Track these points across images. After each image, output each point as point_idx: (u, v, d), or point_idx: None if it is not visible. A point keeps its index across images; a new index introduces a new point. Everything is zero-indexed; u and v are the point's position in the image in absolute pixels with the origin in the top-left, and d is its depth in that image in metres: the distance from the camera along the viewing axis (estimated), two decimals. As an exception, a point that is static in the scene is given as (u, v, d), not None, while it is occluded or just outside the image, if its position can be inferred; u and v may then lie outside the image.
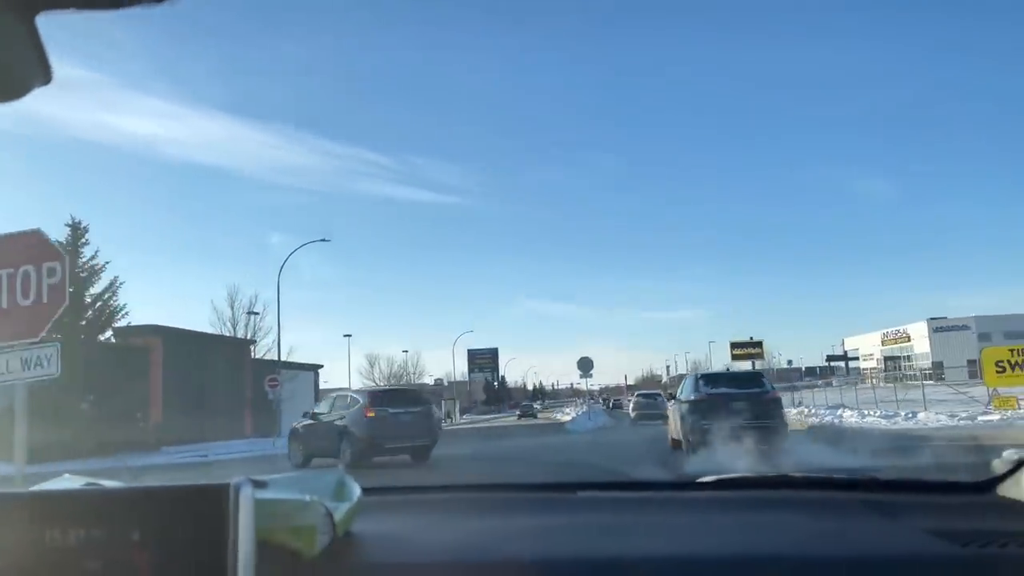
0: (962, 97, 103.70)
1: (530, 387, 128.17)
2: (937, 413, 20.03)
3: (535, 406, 72.55)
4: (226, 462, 20.52)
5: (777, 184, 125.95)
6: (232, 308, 40.27)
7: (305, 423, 16.70)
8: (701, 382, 14.02)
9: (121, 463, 20.64)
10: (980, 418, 18.29)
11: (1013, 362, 21.48)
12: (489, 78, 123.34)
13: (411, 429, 14.69)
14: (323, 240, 34.34)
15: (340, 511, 1.02)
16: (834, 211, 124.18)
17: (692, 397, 13.46)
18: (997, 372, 21.51)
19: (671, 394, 21.85)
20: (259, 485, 0.85)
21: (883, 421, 20.33)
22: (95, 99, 71.40)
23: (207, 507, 0.77)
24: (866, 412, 22.71)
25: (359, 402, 14.94)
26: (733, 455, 10.59)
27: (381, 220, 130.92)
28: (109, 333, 28.69)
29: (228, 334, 39.78)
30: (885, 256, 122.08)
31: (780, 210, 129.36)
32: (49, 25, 0.56)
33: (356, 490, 1.13)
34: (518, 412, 66.05)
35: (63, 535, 0.77)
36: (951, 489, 1.38)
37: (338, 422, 14.87)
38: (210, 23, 77.21)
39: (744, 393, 13.29)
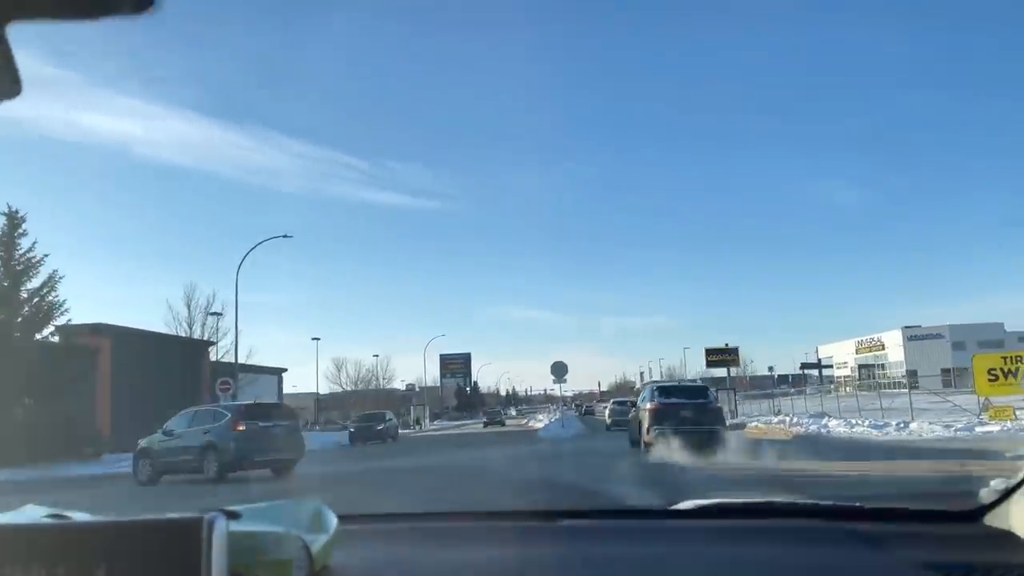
0: (936, 111, 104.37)
1: (503, 393, 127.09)
2: (930, 423, 18.92)
3: (503, 412, 68.07)
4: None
5: (751, 194, 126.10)
6: (189, 308, 38.32)
7: (159, 439, 16.05)
8: (656, 392, 16.53)
9: (51, 472, 18.91)
10: (978, 429, 17.20)
11: (1007, 370, 20.54)
12: (467, 84, 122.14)
13: (279, 443, 14.93)
14: (284, 236, 32.45)
15: (317, 543, 0.99)
16: (808, 221, 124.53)
17: (648, 405, 15.88)
18: (989, 380, 20.57)
19: (633, 402, 24.46)
20: (232, 516, 0.84)
21: (873, 431, 19.19)
22: (64, 97, 69.43)
23: (178, 542, 0.72)
24: (854, 421, 21.57)
25: (227, 416, 14.93)
26: (681, 452, 13.36)
27: (354, 223, 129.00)
28: (50, 331, 26.66)
29: (184, 335, 37.75)
30: (859, 266, 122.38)
31: (754, 220, 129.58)
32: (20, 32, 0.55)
33: (333, 520, 1.10)
34: (484, 420, 61.51)
35: (24, 574, 0.72)
36: (938, 518, 1.35)
37: (203, 436, 14.74)
38: (183, 23, 75.39)
39: (691, 403, 15.92)
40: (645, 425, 15.55)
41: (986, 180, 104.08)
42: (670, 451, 13.80)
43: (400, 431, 53.20)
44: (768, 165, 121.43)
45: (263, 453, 14.64)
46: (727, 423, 16.97)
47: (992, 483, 1.27)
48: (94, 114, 78.37)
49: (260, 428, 14.72)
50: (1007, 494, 1.21)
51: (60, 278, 25.98)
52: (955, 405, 25.06)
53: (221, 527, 0.73)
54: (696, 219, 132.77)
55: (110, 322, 31.78)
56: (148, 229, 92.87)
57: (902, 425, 19.27)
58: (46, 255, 25.93)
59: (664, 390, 17.09)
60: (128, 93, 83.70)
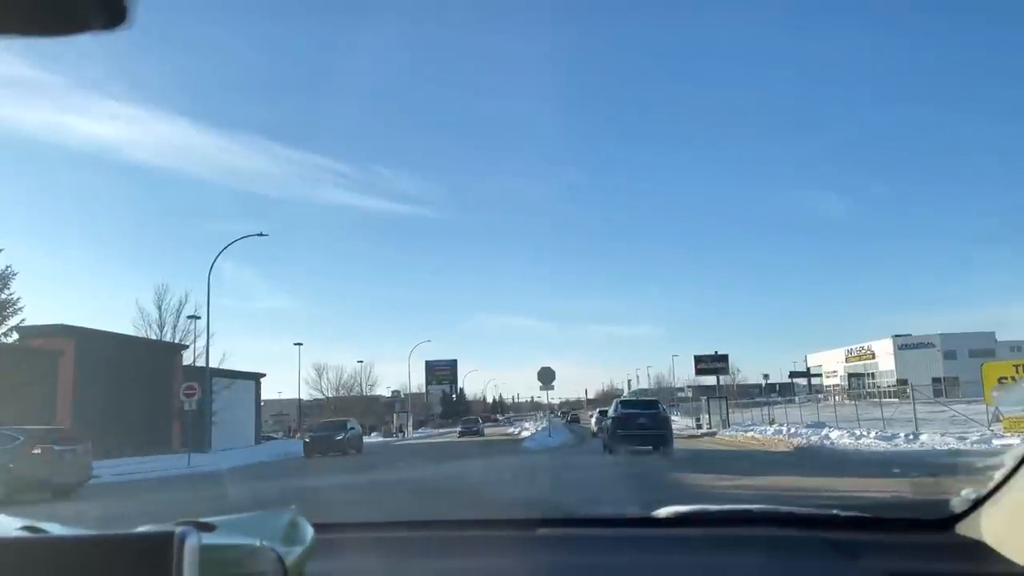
0: (922, 121, 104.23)
1: (490, 400, 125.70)
2: (942, 435, 17.75)
3: (480, 421, 58.74)
4: (114, 485, 17.40)
5: (740, 204, 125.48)
6: (160, 309, 36.55)
7: None
8: (619, 405, 22.93)
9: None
10: (996, 442, 16.02)
11: (1018, 378, 19.54)
12: (453, 91, 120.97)
13: (69, 468, 15.03)
14: (260, 235, 31.02)
15: (292, 555, 0.97)
16: (797, 231, 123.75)
17: (613, 414, 21.76)
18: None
19: (603, 411, 30.66)
20: (206, 528, 0.83)
21: (881, 443, 17.98)
22: (47, 99, 67.95)
23: (149, 557, 0.71)
24: (858, 432, 20.34)
25: (18, 439, 14.65)
26: (635, 444, 18.94)
27: (338, 228, 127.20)
28: (4, 330, 25.10)
29: (155, 337, 36.07)
30: (848, 275, 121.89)
31: (744, 230, 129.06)
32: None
33: (309, 531, 1.09)
34: (459, 429, 53.55)
35: None
36: (912, 527, 1.36)
37: None
38: (168, 27, 73.79)
39: (646, 412, 20.94)
40: (610, 430, 20.95)
41: (977, 190, 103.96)
42: (625, 442, 19.16)
43: (382, 439, 51.88)
44: (756, 176, 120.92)
45: (55, 476, 14.73)
46: (673, 428, 22.15)
47: (963, 492, 1.26)
48: (76, 117, 76.47)
49: (56, 452, 14.77)
50: (978, 504, 1.22)
51: (13, 274, 24.47)
52: (956, 414, 24.15)
53: (192, 542, 0.72)
54: (685, 228, 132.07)
55: (77, 324, 30.20)
56: (127, 232, 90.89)
57: (911, 437, 18.09)
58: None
59: (626, 403, 23.52)
60: (112, 97, 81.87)
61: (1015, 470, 1.16)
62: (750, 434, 27.53)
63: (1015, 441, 16.30)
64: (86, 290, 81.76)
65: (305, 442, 28.75)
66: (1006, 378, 19.77)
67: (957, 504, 1.28)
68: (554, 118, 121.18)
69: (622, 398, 27.91)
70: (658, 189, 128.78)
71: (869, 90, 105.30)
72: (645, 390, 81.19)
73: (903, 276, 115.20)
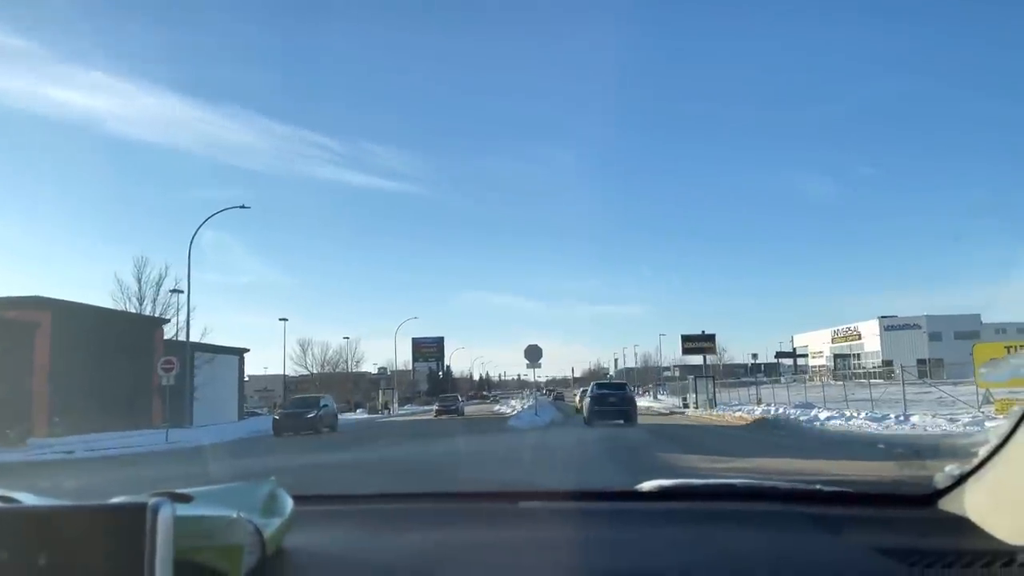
0: (909, 100, 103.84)
1: (477, 378, 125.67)
2: (933, 416, 17.55)
3: (460, 399, 53.08)
4: (94, 460, 16.90)
5: (727, 185, 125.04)
6: (140, 283, 35.76)
7: None
8: (596, 387, 28.20)
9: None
10: (988, 424, 15.78)
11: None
12: (442, 67, 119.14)
13: None
14: (242, 207, 30.40)
15: (270, 527, 0.98)
16: (784, 212, 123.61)
17: (591, 394, 26.45)
18: (992, 371, 19.40)
19: (584, 390, 35.43)
20: (181, 500, 0.84)
21: (872, 424, 17.73)
22: (30, 70, 66.11)
23: (122, 528, 0.71)
24: (848, 414, 20.11)
25: None
26: (607, 419, 23.60)
27: (325, 204, 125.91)
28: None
29: (134, 311, 35.35)
30: (835, 256, 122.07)
31: (731, 210, 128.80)
32: None
33: (288, 503, 1.09)
34: (436, 407, 48.03)
35: None
36: (895, 502, 1.37)
37: None
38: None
39: (615, 393, 26.15)
40: (588, 405, 25.93)
41: (965, 171, 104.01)
42: (600, 417, 24.03)
43: (367, 416, 51.40)
44: (744, 156, 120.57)
45: None
46: (637, 405, 27.24)
47: (947, 469, 1.27)
48: (59, 88, 74.51)
49: None
50: (961, 480, 1.23)
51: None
52: (944, 395, 24.04)
53: (167, 513, 0.72)
54: (674, 208, 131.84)
55: (54, 296, 29.49)
56: (107, 203, 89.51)
57: (902, 418, 17.85)
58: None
59: (600, 385, 29.19)
60: (96, 68, 79.94)
61: (999, 447, 1.15)
62: (737, 414, 27.34)
63: (1008, 423, 16.12)
64: (63, 262, 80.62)
65: (275, 419, 27.16)
66: (997, 360, 19.61)
67: (940, 480, 1.28)
68: (542, 97, 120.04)
69: (598, 381, 34.68)
70: (646, 169, 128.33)
71: (858, 68, 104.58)
72: (596, 381, 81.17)
73: (890, 258, 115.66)
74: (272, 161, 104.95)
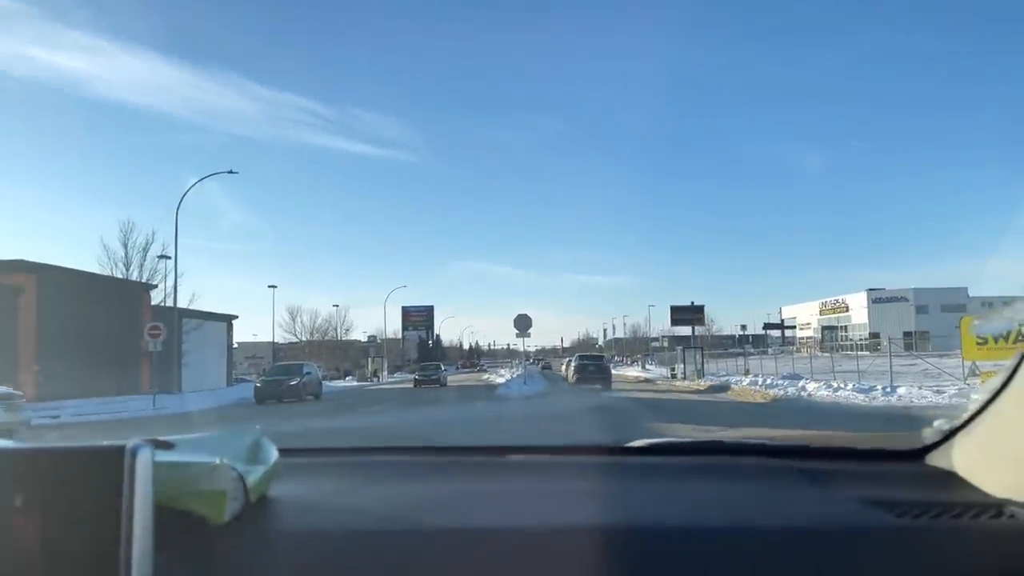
0: (899, 71, 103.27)
1: (466, 347, 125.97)
2: (919, 388, 17.64)
3: (442, 369, 47.09)
4: (81, 425, 16.83)
5: (716, 155, 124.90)
6: (126, 247, 35.34)
7: None
8: (579, 358, 34.07)
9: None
10: (974, 396, 15.86)
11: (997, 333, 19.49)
12: (435, 34, 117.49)
13: None
14: (230, 172, 29.99)
15: (254, 475, 0.98)
16: (773, 184, 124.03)
17: (575, 364, 32.52)
18: (978, 344, 19.49)
19: (569, 360, 40.08)
20: (164, 446, 0.83)
21: (860, 395, 17.82)
22: (12, 30, 64.45)
23: (99, 471, 0.71)
24: (835, 385, 20.20)
25: None
26: (588, 383, 28.62)
27: (314, 171, 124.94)
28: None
29: (121, 276, 35.00)
30: (824, 228, 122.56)
31: (720, 182, 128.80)
32: None
33: (273, 452, 1.09)
34: (415, 377, 42.89)
35: None
36: (883, 457, 1.39)
37: None
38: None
39: (595, 362, 32.36)
40: (573, 370, 32.05)
41: (956, 144, 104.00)
42: (582, 382, 29.29)
43: (356, 383, 51.39)
44: (735, 127, 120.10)
45: None
46: (612, 373, 32.65)
47: (935, 423, 1.28)
48: (42, 48, 73.14)
49: None
50: (949, 435, 1.24)
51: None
52: (930, 367, 24.22)
53: (145, 455, 0.72)
54: (663, 178, 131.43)
55: (37, 260, 29.13)
56: (91, 167, 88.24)
57: (889, 390, 17.93)
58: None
59: (581, 356, 35.04)
60: (77, 27, 78.07)
61: (988, 403, 1.14)
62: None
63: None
64: (48, 227, 79.41)
65: (256, 386, 26.71)
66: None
67: (929, 435, 1.29)
68: (533, 64, 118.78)
69: (580, 353, 42.22)
70: (636, 137, 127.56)
71: (846, 39, 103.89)
72: (578, 353, 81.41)
73: (879, 231, 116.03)
74: (260, 126, 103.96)
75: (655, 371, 51.80)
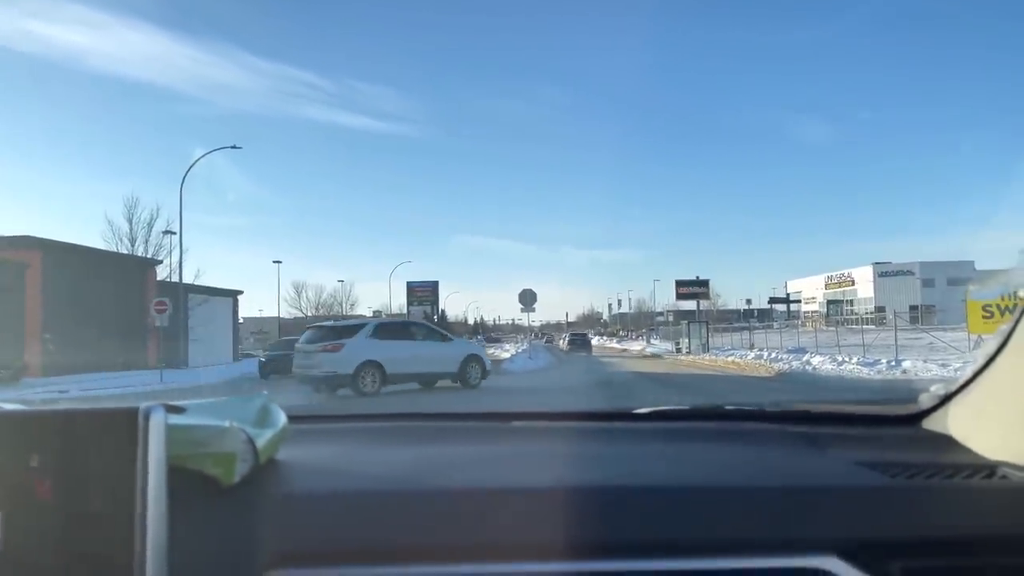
0: (906, 42, 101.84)
1: (471, 322, 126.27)
2: (924, 362, 17.65)
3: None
4: (88, 399, 16.94)
5: (723, 128, 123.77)
6: (131, 223, 35.42)
7: None
8: (570, 333, 58.81)
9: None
10: (969, 361, 15.90)
11: (1003, 306, 19.34)
12: (436, 3, 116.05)
13: None
14: (234, 147, 29.91)
15: (263, 438, 0.99)
16: (780, 156, 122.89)
17: (568, 338, 54.95)
18: (984, 317, 19.43)
19: (565, 335, 59.04)
20: (175, 410, 0.85)
21: (865, 369, 17.87)
22: (10, 3, 63.83)
23: (114, 433, 0.73)
24: (840, 359, 20.24)
25: None
26: (576, 351, 46.69)
27: (318, 146, 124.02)
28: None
29: (126, 252, 35.09)
30: (831, 201, 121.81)
31: (727, 155, 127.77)
32: None
33: (281, 417, 1.11)
34: None
35: None
36: (880, 422, 1.41)
37: None
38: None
39: (581, 337, 52.81)
40: (567, 342, 52.11)
41: (962, 117, 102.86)
42: (572, 351, 45.85)
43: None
44: (739, 100, 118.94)
45: None
46: (593, 344, 47.40)
47: (932, 388, 1.30)
48: (39, 22, 72.38)
49: None
50: (946, 399, 1.26)
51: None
52: (935, 341, 24.19)
53: (159, 417, 0.74)
54: (669, 151, 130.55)
55: (42, 236, 29.19)
56: (94, 143, 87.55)
57: (894, 363, 17.96)
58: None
59: (572, 333, 56.98)
60: (81, 1, 77.41)
61: (983, 367, 1.15)
62: (730, 358, 27.51)
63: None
64: (52, 203, 79.43)
65: (261, 361, 26.47)
66: (991, 306, 19.62)
67: (926, 400, 1.30)
68: (535, 33, 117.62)
69: (571, 331, 61.29)
70: (641, 111, 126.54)
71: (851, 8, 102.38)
72: (625, 314, 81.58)
73: (885, 203, 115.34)
74: (263, 100, 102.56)
75: (659, 345, 51.94)
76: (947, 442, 1.20)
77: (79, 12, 73.09)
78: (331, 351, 14.54)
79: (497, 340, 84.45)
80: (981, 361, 1.16)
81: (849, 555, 0.89)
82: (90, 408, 0.75)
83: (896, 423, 1.36)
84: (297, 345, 16.12)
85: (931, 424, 1.28)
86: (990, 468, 1.06)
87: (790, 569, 0.88)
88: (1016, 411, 1.07)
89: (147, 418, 0.72)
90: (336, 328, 15.77)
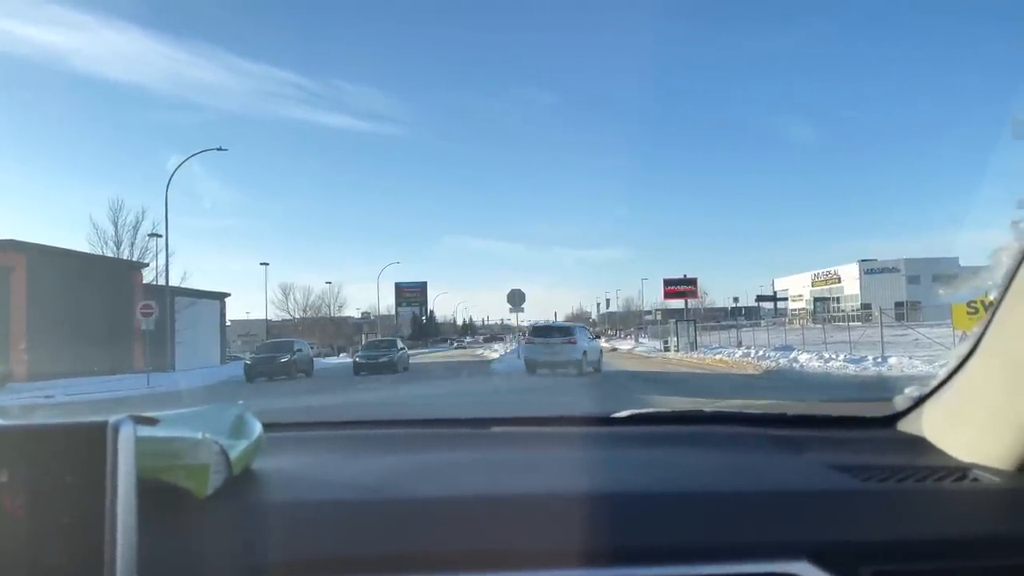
0: (889, 43, 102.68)
1: (460, 322, 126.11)
2: (910, 358, 17.78)
3: (396, 346, 29.96)
4: (74, 404, 16.83)
5: (709, 127, 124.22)
6: (116, 226, 35.19)
7: None
8: (538, 327, 31.68)
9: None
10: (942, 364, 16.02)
11: (988, 303, 19.55)
12: (420, 5, 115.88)
13: None
14: (219, 149, 29.75)
15: (237, 449, 0.99)
16: (766, 155, 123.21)
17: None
18: (969, 313, 19.57)
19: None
20: (146, 422, 0.83)
21: (851, 366, 17.98)
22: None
23: (83, 447, 0.72)
24: (827, 356, 20.36)
25: None
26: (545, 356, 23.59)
27: (305, 146, 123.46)
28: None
29: (111, 255, 34.84)
30: (817, 200, 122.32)
31: (714, 151, 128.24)
32: None
33: (256, 427, 1.09)
34: (354, 361, 28.94)
35: None
36: (855, 424, 1.41)
37: None
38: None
39: (560, 329, 27.67)
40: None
41: (942, 117, 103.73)
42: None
43: (350, 360, 51.22)
44: (724, 99, 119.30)
45: None
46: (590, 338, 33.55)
47: (906, 391, 1.30)
48: (16, 22, 71.67)
49: None
50: (920, 401, 1.27)
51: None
52: (921, 337, 24.37)
53: (128, 431, 0.72)
54: (653, 152, 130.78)
55: (26, 239, 28.92)
56: (77, 145, 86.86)
57: (880, 360, 18.08)
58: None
59: (551, 327, 38.07)
60: (60, 2, 76.62)
61: (956, 369, 1.16)
62: (718, 356, 27.63)
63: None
64: (36, 206, 78.66)
65: (246, 364, 26.11)
66: (975, 302, 19.84)
67: (900, 402, 1.32)
68: (523, 36, 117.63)
69: (556, 324, 58.52)
70: (628, 111, 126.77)
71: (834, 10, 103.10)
72: (613, 313, 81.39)
73: (870, 201, 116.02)
74: (247, 101, 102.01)
75: (648, 344, 52.05)
76: (921, 444, 1.21)
77: (59, 13, 72.53)
78: (570, 344, 20.40)
79: (500, 339, 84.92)
80: (954, 363, 1.17)
81: (820, 559, 0.89)
82: (59, 423, 0.74)
83: (871, 425, 1.38)
84: (529, 336, 23.41)
85: (905, 426, 1.29)
86: (962, 471, 1.07)
87: (760, 574, 0.88)
88: (987, 413, 1.08)
89: (116, 431, 0.71)
90: (562, 328, 22.63)
